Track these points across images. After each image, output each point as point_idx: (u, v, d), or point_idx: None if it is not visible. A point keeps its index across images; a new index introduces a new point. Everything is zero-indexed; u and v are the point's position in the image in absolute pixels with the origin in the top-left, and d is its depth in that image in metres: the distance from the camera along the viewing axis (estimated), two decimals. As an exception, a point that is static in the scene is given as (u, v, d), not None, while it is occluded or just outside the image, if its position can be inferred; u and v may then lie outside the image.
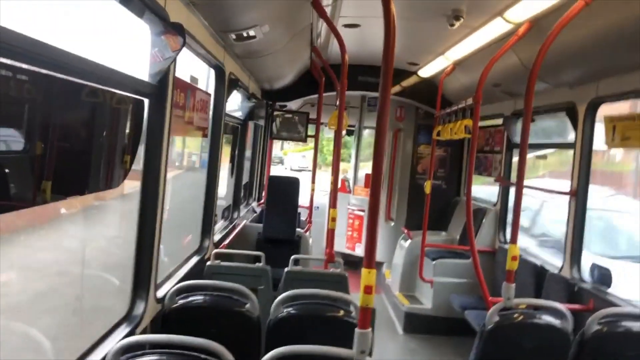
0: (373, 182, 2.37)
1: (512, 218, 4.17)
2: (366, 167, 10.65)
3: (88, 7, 2.41)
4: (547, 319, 3.57)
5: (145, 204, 3.11)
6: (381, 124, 2.28)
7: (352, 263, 9.52)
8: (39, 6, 2.34)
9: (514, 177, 6.82)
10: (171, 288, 3.30)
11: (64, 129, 2.93)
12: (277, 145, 13.42)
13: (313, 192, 7.21)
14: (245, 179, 7.89)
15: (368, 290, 2.26)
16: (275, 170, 8.18)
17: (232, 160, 7.06)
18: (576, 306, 4.53)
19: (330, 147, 13.25)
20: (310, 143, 9.93)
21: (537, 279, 5.55)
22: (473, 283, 6.46)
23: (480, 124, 7.38)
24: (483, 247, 6.91)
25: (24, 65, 1.89)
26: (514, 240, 3.98)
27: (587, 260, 5.03)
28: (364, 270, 2.26)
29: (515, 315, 3.67)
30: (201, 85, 4.80)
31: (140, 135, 3.08)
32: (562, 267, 5.15)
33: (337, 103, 5.36)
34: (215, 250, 4.47)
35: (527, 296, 5.38)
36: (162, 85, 3.02)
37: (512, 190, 6.59)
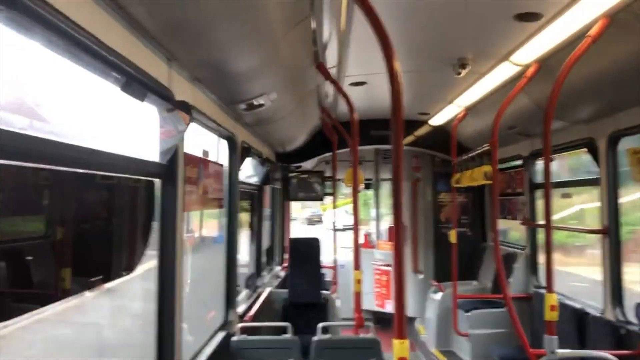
0: (395, 239, 2.27)
1: (545, 264, 3.98)
2: (388, 220, 10.49)
3: (93, 95, 2.41)
4: None
5: (164, 284, 3.02)
6: (397, 178, 2.23)
7: (384, 320, 9.23)
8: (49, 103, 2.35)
9: (539, 218, 6.64)
10: None
11: (80, 216, 2.90)
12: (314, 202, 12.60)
13: (335, 252, 7.07)
14: (266, 243, 7.79)
15: None
16: (316, 233, 7.93)
17: (251, 227, 6.99)
18: (625, 352, 4.26)
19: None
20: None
21: (578, 323, 5.27)
22: (512, 332, 6.17)
23: (500, 166, 7.29)
24: (517, 294, 6.64)
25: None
26: (549, 288, 3.78)
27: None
28: (395, 342, 2.12)
29: None
30: (214, 153, 4.80)
31: (154, 215, 3.03)
32: (603, 309, 4.89)
33: (351, 160, 5.31)
34: (240, 325, 4.33)
35: (569, 343, 5.09)
36: (173, 163, 2.98)
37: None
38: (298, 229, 8.94)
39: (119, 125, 2.90)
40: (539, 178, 6.66)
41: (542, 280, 6.66)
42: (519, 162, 7.04)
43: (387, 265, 9.68)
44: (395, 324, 2.17)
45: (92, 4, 1.94)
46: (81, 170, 2.13)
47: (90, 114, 2.71)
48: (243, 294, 6.14)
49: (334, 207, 7.67)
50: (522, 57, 4.23)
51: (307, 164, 9.09)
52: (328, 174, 8.65)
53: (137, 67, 2.27)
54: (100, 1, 1.98)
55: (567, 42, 3.72)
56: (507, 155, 7.11)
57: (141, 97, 2.27)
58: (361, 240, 11.14)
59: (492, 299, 7.06)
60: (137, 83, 2.27)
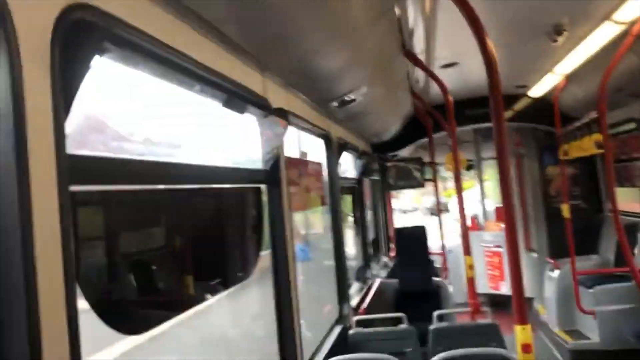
0: (507, 218, 2.22)
1: None
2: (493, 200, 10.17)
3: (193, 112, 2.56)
4: None
5: (279, 283, 3.15)
6: (502, 155, 2.19)
7: (500, 303, 8.97)
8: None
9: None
10: None
11: (199, 228, 3.09)
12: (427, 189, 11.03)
13: (443, 238, 6.97)
14: (371, 235, 7.83)
15: (527, 349, 2.07)
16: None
17: (355, 220, 7.06)
18: None
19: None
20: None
21: None
22: (642, 308, 5.79)
23: (611, 132, 6.82)
24: None
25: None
26: None
27: None
28: (517, 328, 2.07)
29: None
30: (311, 152, 4.90)
31: (263, 220, 3.17)
32: None
33: (450, 144, 5.22)
34: (356, 318, 4.40)
35: None
36: (275, 167, 3.10)
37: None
38: (418, 221, 8.30)
39: (223, 140, 3.06)
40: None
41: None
42: (632, 126, 6.54)
43: (498, 246, 9.38)
44: (514, 309, 2.13)
45: (187, 28, 2.06)
46: (195, 186, 2.28)
47: (197, 131, 2.89)
48: (354, 286, 6.23)
49: (437, 193, 7.54)
50: (625, 14, 3.92)
51: (404, 152, 9.01)
52: (425, 159, 8.53)
53: (235, 81, 2.38)
54: (194, 24, 2.10)
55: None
56: (617, 119, 6.64)
57: (241, 110, 2.39)
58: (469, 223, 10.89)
59: (616, 273, 6.63)
60: (237, 97, 2.38)
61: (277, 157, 3.10)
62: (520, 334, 2.07)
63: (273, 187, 3.13)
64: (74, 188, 1.34)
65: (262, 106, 2.83)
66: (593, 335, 6.55)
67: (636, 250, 6.40)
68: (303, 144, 4.66)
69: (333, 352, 3.84)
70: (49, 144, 1.19)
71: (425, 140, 7.59)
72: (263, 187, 3.17)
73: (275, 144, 3.01)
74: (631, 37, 4.09)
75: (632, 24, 4.05)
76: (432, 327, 4.07)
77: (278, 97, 3.13)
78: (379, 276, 7.10)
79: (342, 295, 4.73)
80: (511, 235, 2.16)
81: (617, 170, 7.05)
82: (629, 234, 6.43)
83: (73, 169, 1.29)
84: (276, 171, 3.13)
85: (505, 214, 2.27)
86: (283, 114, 3.00)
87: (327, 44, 2.98)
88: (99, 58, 1.45)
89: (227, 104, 2.28)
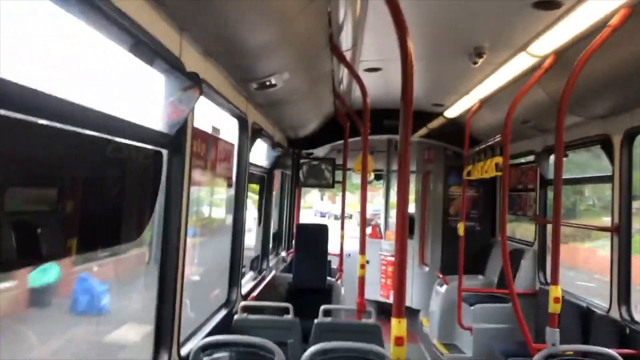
0: (399, 226, 2.26)
1: (552, 258, 3.94)
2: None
3: (101, 57, 2.40)
4: None
5: (166, 257, 3.03)
6: (403, 166, 2.21)
7: (388, 311, 9.22)
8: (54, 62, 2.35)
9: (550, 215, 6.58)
10: (196, 345, 3.17)
11: (86, 185, 2.90)
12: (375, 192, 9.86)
13: (343, 239, 7.05)
14: (274, 228, 7.79)
15: (399, 341, 2.11)
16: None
17: (259, 210, 6.99)
18: (628, 351, 4.21)
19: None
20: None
21: (583, 321, 5.22)
22: (515, 328, 6.13)
23: (512, 161, 7.22)
24: (523, 290, 6.60)
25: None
26: (555, 281, 3.74)
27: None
28: (393, 320, 2.11)
29: None
30: (225, 133, 4.79)
31: (159, 187, 3.03)
32: (609, 308, 4.84)
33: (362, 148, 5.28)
34: (243, 303, 4.34)
35: (573, 341, 5.05)
36: (180, 135, 2.98)
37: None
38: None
39: (128, 94, 2.90)
40: (551, 174, 6.60)
41: (549, 277, 6.62)
42: (531, 158, 6.96)
43: (394, 257, 9.63)
44: (394, 302, 2.16)
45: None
46: (88, 132, 2.12)
47: (99, 78, 2.70)
48: (248, 275, 6.15)
49: (343, 196, 7.62)
50: (539, 47, 4.16)
51: (319, 151, 9.06)
52: (340, 162, 8.62)
53: (147, 32, 2.26)
54: None
55: (586, 32, 3.65)
56: (521, 150, 7.03)
57: (150, 62, 2.26)
58: (369, 230, 11.12)
59: (497, 294, 7.02)
60: (146, 47, 2.25)
61: (184, 125, 2.98)
62: (395, 327, 2.11)
63: (175, 154, 3.01)
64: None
65: (174, 66, 2.71)
66: (467, 350, 6.89)
67: (518, 275, 6.80)
68: (217, 122, 4.54)
69: (214, 334, 3.75)
70: None
71: (341, 142, 7.67)
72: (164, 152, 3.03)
73: (183, 109, 2.89)
74: (542, 70, 4.33)
75: (544, 58, 4.30)
76: (316, 321, 4.09)
77: (194, 62, 3.02)
78: (275, 269, 7.08)
79: (233, 280, 4.65)
80: (401, 233, 2.21)
81: (513, 199, 7.47)
82: (514, 258, 6.84)
83: None
84: (181, 139, 3.01)
85: (397, 223, 2.30)
86: (197, 81, 2.89)
87: (251, 16, 2.91)
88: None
89: (134, 50, 2.14)
